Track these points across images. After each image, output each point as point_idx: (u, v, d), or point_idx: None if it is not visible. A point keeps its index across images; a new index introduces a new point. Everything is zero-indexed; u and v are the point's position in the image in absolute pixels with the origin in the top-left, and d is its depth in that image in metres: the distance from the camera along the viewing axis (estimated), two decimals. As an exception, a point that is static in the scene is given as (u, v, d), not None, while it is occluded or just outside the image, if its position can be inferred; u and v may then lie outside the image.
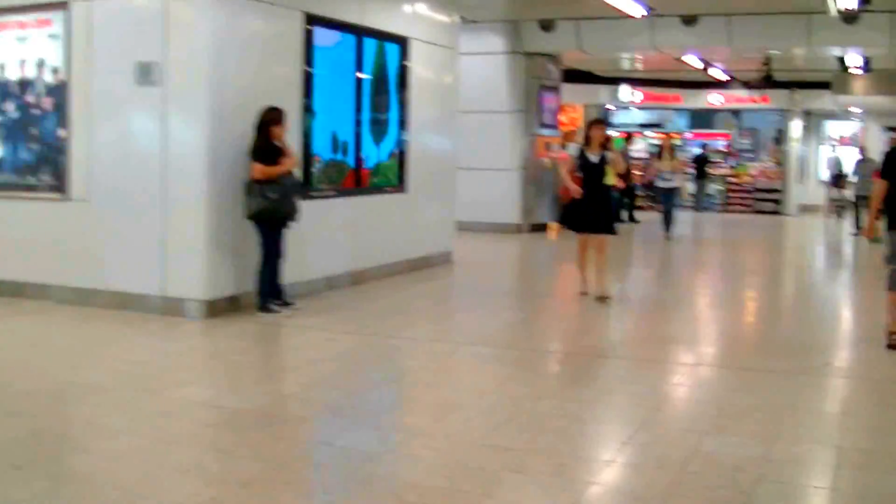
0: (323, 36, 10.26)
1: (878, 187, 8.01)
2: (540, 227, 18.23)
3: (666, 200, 17.85)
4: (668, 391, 6.80)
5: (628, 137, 24.79)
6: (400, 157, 12.06)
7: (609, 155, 10.25)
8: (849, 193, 20.78)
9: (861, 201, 18.68)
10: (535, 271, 14.85)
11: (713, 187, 26.66)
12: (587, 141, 10.25)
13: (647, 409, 6.16)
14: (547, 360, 8.01)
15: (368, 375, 7.13)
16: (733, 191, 26.99)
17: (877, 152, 21.81)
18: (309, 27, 10.01)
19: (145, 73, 8.84)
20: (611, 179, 11.24)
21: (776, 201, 26.55)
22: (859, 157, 19.78)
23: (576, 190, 9.97)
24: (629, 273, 13.66)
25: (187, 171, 8.83)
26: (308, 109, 10.04)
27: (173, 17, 8.78)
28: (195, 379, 6.93)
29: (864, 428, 5.88)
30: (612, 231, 10.32)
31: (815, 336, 9.23)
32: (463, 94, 14.37)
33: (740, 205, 26.74)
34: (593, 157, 10.02)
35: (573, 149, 10.21)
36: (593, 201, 10.01)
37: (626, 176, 18.20)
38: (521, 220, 18.28)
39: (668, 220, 17.63)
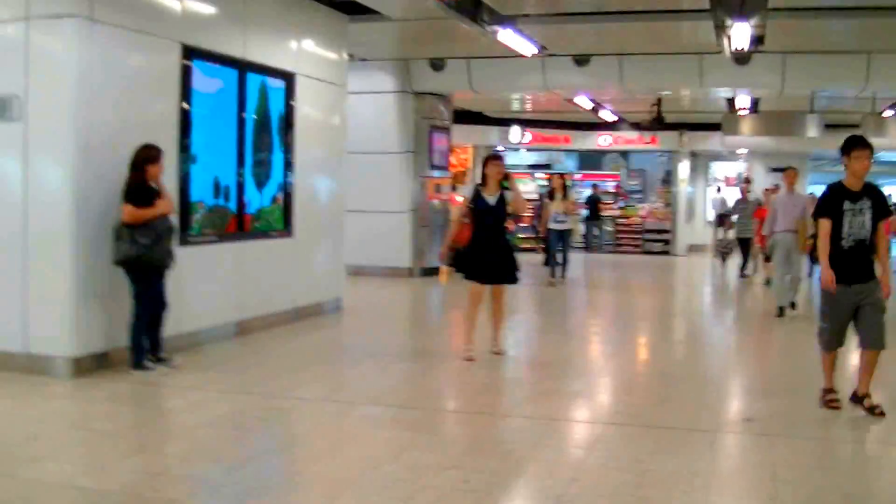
0: (202, 71, 9.55)
1: (823, 227, 7.16)
2: (432, 271, 17.71)
3: (558, 243, 17.18)
4: (579, 457, 6.25)
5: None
6: (286, 200, 11.38)
7: (509, 195, 9.27)
8: (732, 234, 20.71)
9: (743, 243, 18.99)
10: (429, 319, 14.24)
11: (603, 228, 26.66)
12: (483, 180, 9.26)
13: (561, 480, 5.60)
14: (446, 422, 7.37)
15: (252, 445, 6.39)
16: (623, 231, 27.02)
17: (759, 192, 22.14)
18: (187, 61, 9.29)
19: (3, 108, 8.03)
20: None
21: (665, 241, 26.68)
22: (739, 196, 19.69)
23: (457, 241, 9.31)
24: (523, 322, 13.06)
25: (51, 213, 8.04)
26: (185, 149, 9.29)
27: (35, 47, 8.02)
28: (53, 452, 6.08)
29: (807, 497, 5.44)
30: (514, 280, 9.39)
31: (727, 388, 8.87)
32: (352, 134, 13.80)
33: (630, 245, 26.75)
34: (490, 199, 9.12)
35: (467, 190, 9.28)
36: (492, 248, 9.19)
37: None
38: (413, 264, 17.73)
39: (563, 263, 17.23)
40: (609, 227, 26.98)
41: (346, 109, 13.16)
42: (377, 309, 14.01)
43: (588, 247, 26.46)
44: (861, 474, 6.08)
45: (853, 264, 7.12)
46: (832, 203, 7.16)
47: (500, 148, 28.29)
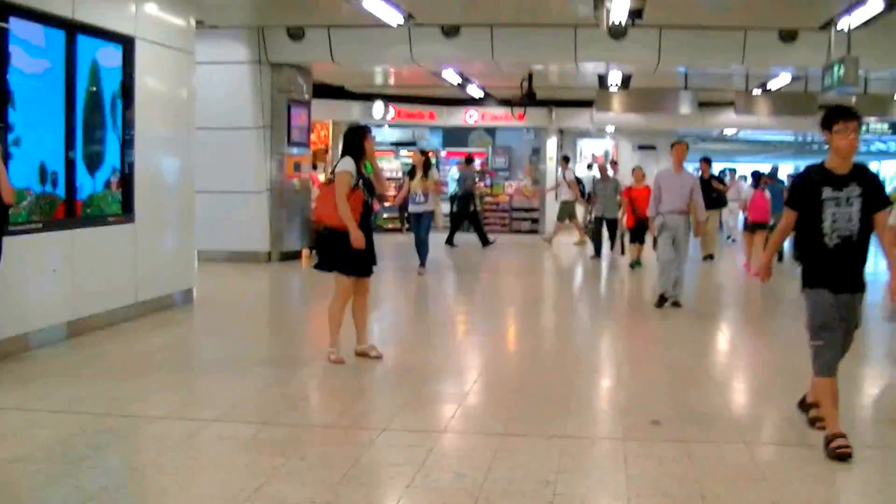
0: (22, 33, 8.16)
1: (785, 220, 6.04)
2: (291, 255, 16.54)
3: (417, 226, 15.34)
4: (477, 481, 5.26)
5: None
6: (125, 182, 10.06)
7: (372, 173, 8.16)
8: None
9: (599, 223, 18.59)
10: (290, 312, 12.91)
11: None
12: (356, 155, 7.90)
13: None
14: (317, 441, 6.21)
15: (80, 482, 5.16)
16: (490, 210, 26.24)
17: (625, 171, 21.71)
18: (1, 22, 7.90)
19: None
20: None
21: (533, 220, 26.08)
22: (598, 176, 18.98)
23: (356, 237, 7.78)
24: (389, 315, 12.02)
25: None
26: (2, 129, 7.90)
27: None
28: None
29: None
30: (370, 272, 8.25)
31: (621, 385, 8.05)
32: (201, 108, 12.51)
33: (497, 224, 26.03)
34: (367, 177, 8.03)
35: (349, 164, 7.82)
36: (366, 234, 7.93)
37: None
38: (271, 248, 16.53)
39: (419, 248, 15.31)
40: (478, 207, 26.20)
41: (194, 81, 11.87)
42: (233, 300, 12.79)
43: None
44: (796, 486, 5.28)
45: (841, 268, 5.82)
46: (807, 190, 5.80)
47: (362, 124, 27.22)
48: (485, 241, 21.05)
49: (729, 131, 28.74)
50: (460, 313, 12.47)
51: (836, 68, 12.59)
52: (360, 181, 7.85)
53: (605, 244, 18.89)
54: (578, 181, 22.36)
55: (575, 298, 14.76)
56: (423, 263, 15.23)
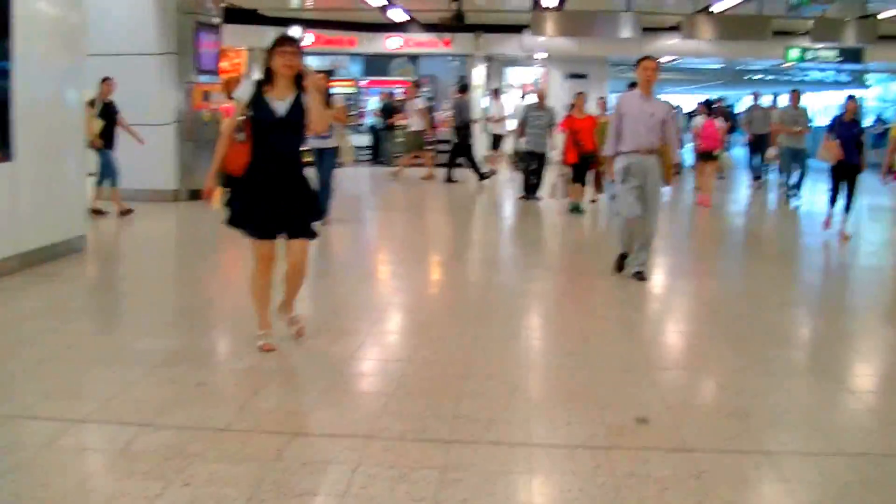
0: None
1: None
2: (201, 193, 15.00)
3: (319, 165, 12.28)
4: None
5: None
6: (1, 115, 8.48)
7: (307, 100, 5.98)
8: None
9: (532, 158, 16.22)
10: (196, 264, 10.63)
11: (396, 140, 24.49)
12: (268, 77, 5.98)
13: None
14: (206, 452, 4.53)
15: None
16: (413, 143, 24.80)
17: (559, 101, 20.46)
18: None
19: None
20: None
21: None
22: (534, 101, 16.73)
23: (228, 168, 6.03)
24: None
25: None
26: None
27: None
28: None
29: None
30: (309, 232, 6.22)
31: (585, 368, 6.75)
32: (95, 31, 11.07)
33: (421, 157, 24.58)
34: (279, 106, 5.93)
35: (244, 90, 6.03)
36: (280, 183, 6.02)
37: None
38: (179, 186, 14.97)
39: (322, 191, 12.15)
40: (400, 139, 24.70)
41: (85, 1, 10.24)
42: (130, 250, 11.29)
43: (382, 160, 24.57)
44: None
45: None
46: None
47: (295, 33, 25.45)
48: (481, 176, 19.81)
49: (667, 59, 27.31)
50: (374, 277, 10.15)
51: (804, -15, 11.42)
52: (256, 113, 5.95)
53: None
54: (430, 110, 21.21)
55: (509, 256, 11.98)
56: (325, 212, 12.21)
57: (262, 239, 6.12)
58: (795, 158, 16.35)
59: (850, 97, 12.57)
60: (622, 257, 9.31)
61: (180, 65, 15.03)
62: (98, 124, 12.78)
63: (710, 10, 17.81)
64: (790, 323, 8.09)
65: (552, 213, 15.24)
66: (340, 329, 7.11)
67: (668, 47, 23.60)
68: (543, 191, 16.51)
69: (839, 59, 21.23)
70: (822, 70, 30.68)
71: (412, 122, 20.28)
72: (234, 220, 6.09)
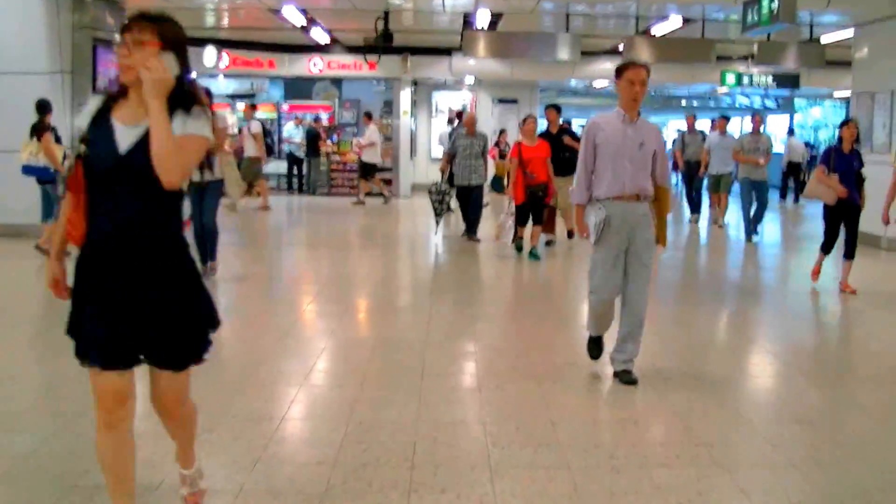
0: None
1: None
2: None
3: (199, 205, 9.92)
4: None
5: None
6: None
7: (196, 124, 3.43)
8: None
9: (466, 192, 14.13)
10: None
11: (319, 168, 23.26)
12: (120, 88, 3.54)
13: None
14: None
15: None
16: (338, 170, 23.49)
17: (487, 127, 19.42)
18: None
19: None
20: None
21: (385, 181, 23.42)
22: (460, 128, 15.22)
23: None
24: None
25: None
26: None
27: None
28: None
29: None
30: (181, 362, 3.59)
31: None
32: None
33: (347, 186, 23.33)
34: (123, 136, 3.41)
35: (84, 113, 3.52)
36: (127, 275, 3.41)
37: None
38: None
39: (205, 239, 10.17)
40: (322, 167, 23.46)
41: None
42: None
43: (309, 189, 23.44)
44: None
45: None
46: None
47: (193, 74, 23.96)
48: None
49: (600, 83, 26.41)
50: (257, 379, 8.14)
51: (765, 2, 10.48)
52: (90, 149, 3.44)
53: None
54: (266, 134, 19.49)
55: (438, 339, 7.76)
56: (211, 256, 10.16)
57: (104, 368, 3.42)
58: (756, 190, 14.63)
59: (847, 121, 10.28)
60: (595, 341, 6.67)
61: (75, 85, 13.61)
62: (61, 151, 11.59)
63: (651, 33, 16.89)
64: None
65: (499, 259, 12.70)
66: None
67: (603, 72, 22.73)
68: (488, 231, 14.53)
69: (775, 84, 20.57)
70: (748, 96, 30.26)
71: (247, 147, 18.61)
72: (71, 331, 3.54)
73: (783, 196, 24.26)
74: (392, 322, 8.55)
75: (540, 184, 12.05)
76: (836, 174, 9.91)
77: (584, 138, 6.29)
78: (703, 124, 28.41)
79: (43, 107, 11.69)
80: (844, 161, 9.97)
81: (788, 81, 20.37)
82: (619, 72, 6.19)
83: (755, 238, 14.86)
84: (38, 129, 11.51)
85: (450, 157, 14.28)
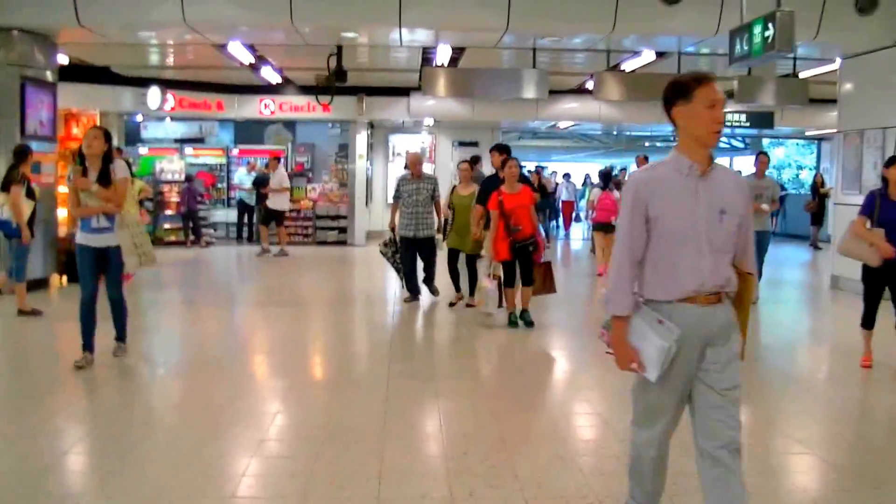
0: None
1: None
2: (33, 284, 12.21)
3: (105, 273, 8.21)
4: None
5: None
6: None
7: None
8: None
9: (412, 245, 12.34)
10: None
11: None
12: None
13: None
14: None
15: None
16: (290, 218, 22.24)
17: (447, 171, 18.34)
18: None
19: None
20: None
21: (341, 229, 22.25)
22: (402, 174, 13.14)
23: None
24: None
25: None
26: None
27: None
28: None
29: None
30: None
31: None
32: None
33: (300, 235, 22.11)
34: None
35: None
36: None
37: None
38: (-1, 280, 12.13)
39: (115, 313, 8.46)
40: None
41: None
42: None
43: (258, 239, 21.87)
44: None
45: None
46: None
47: (140, 117, 22.78)
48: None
49: (564, 124, 25.39)
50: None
51: (757, 29, 9.49)
52: None
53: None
54: None
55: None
56: (120, 336, 8.46)
57: None
58: (756, 243, 11.90)
59: (893, 160, 8.05)
60: None
61: (1, 128, 12.40)
62: (30, 206, 10.75)
63: (621, 68, 15.93)
64: None
65: (472, 323, 10.82)
66: None
67: (568, 112, 21.80)
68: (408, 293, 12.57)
69: (749, 122, 19.65)
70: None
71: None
72: None
73: None
74: (344, 403, 7.17)
75: (527, 238, 10.21)
76: (881, 227, 7.83)
77: (629, 207, 3.94)
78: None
79: (20, 153, 10.82)
80: (892, 209, 7.87)
81: (762, 120, 19.46)
82: (685, 91, 3.83)
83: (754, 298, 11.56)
84: (8, 181, 10.66)
85: (395, 203, 12.51)
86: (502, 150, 11.50)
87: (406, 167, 13.78)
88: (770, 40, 9.29)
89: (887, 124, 12.92)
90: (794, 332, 11.38)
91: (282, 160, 21.18)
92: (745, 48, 9.98)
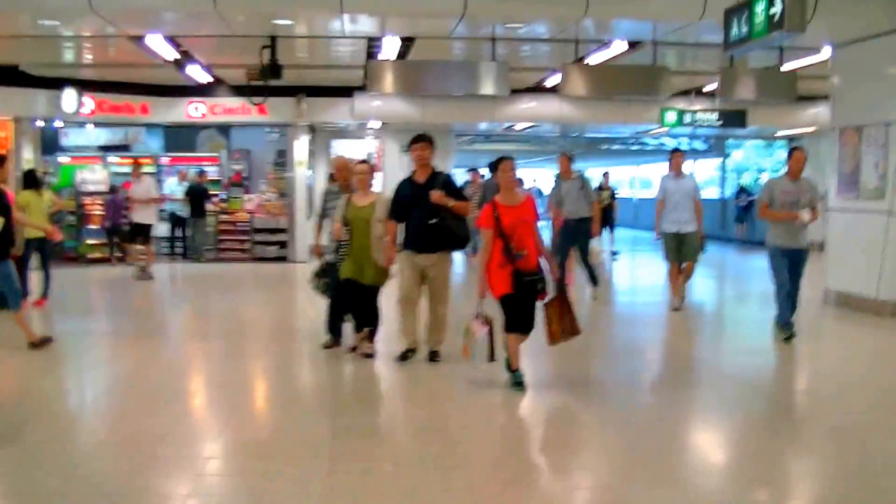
0: None
1: None
2: None
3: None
4: None
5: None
6: None
7: None
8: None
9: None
10: None
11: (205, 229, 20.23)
12: None
13: None
14: None
15: None
16: (226, 231, 20.43)
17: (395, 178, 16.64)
18: None
19: None
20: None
21: (281, 244, 20.44)
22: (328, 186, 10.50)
23: None
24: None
25: None
26: None
27: None
28: None
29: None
30: None
31: None
32: None
33: (237, 250, 20.31)
34: None
35: None
36: None
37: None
38: None
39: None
40: (210, 227, 20.38)
41: None
42: None
43: (192, 254, 20.31)
44: None
45: None
46: None
47: (58, 123, 20.83)
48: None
49: (522, 125, 23.58)
50: None
51: (760, 6, 8.01)
52: None
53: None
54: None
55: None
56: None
57: None
58: (793, 265, 9.67)
59: None
60: None
61: None
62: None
63: (585, 62, 14.38)
64: None
65: (453, 394, 7.79)
66: None
67: (527, 111, 20.23)
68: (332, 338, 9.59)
69: (720, 122, 18.15)
70: (675, 137, 28.14)
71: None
72: None
73: None
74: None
75: (534, 272, 7.47)
76: None
77: None
78: (621, 173, 26.59)
79: None
80: None
81: (735, 119, 17.97)
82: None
83: (787, 333, 9.72)
84: None
85: (319, 220, 9.90)
86: (423, 139, 8.90)
87: (331, 177, 10.74)
88: (777, 19, 7.80)
89: (890, 119, 11.48)
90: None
91: (145, 168, 19.25)
92: (744, 30, 8.51)
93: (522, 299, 7.41)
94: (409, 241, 8.58)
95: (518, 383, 7.53)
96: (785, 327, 9.70)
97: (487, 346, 7.51)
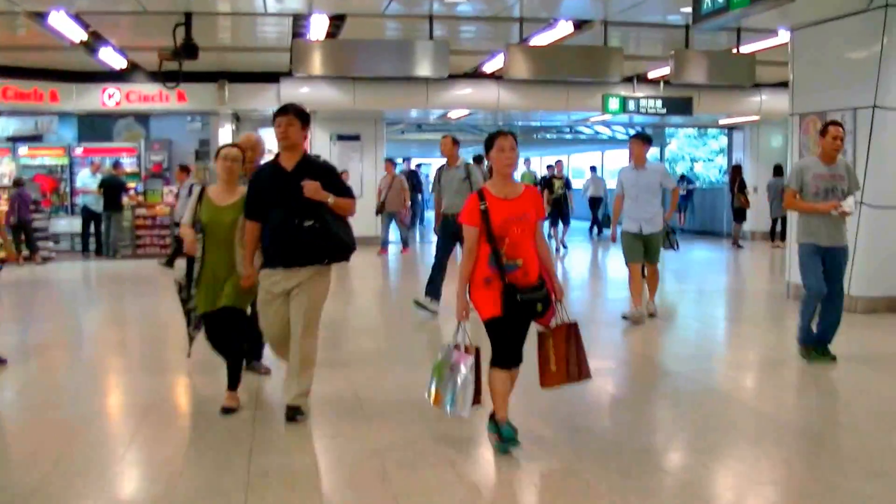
0: None
1: None
2: None
3: None
4: None
5: None
6: None
7: None
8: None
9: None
10: None
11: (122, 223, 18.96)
12: None
13: None
14: None
15: None
16: (144, 227, 19.15)
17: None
18: None
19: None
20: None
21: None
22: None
23: None
24: None
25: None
26: None
27: None
28: None
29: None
30: None
31: None
32: None
33: (156, 246, 19.05)
34: None
35: None
36: None
37: None
38: None
39: None
40: (126, 222, 19.10)
41: None
42: None
43: (107, 251, 18.95)
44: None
45: None
46: None
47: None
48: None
49: (457, 113, 22.53)
50: None
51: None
52: None
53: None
54: None
55: None
56: None
57: None
58: (832, 265, 8.05)
59: None
60: None
61: None
62: None
63: (531, 44, 13.47)
64: None
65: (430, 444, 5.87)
66: None
67: (463, 98, 19.32)
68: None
69: (665, 109, 17.44)
70: (609, 126, 27.62)
71: None
72: None
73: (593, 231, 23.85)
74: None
75: (534, 287, 5.51)
76: None
77: None
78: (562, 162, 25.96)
79: None
80: None
81: (680, 106, 17.27)
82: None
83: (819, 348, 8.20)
84: None
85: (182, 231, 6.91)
86: (286, 111, 6.17)
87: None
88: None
89: (857, 104, 10.78)
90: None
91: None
92: (720, 1, 7.67)
93: (516, 324, 5.53)
94: (270, 254, 6.17)
95: (509, 440, 5.54)
96: (818, 346, 8.10)
97: (472, 386, 5.46)
